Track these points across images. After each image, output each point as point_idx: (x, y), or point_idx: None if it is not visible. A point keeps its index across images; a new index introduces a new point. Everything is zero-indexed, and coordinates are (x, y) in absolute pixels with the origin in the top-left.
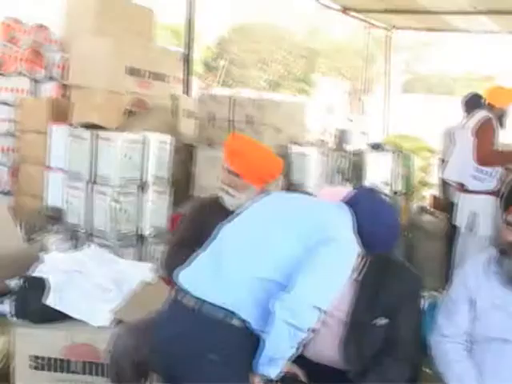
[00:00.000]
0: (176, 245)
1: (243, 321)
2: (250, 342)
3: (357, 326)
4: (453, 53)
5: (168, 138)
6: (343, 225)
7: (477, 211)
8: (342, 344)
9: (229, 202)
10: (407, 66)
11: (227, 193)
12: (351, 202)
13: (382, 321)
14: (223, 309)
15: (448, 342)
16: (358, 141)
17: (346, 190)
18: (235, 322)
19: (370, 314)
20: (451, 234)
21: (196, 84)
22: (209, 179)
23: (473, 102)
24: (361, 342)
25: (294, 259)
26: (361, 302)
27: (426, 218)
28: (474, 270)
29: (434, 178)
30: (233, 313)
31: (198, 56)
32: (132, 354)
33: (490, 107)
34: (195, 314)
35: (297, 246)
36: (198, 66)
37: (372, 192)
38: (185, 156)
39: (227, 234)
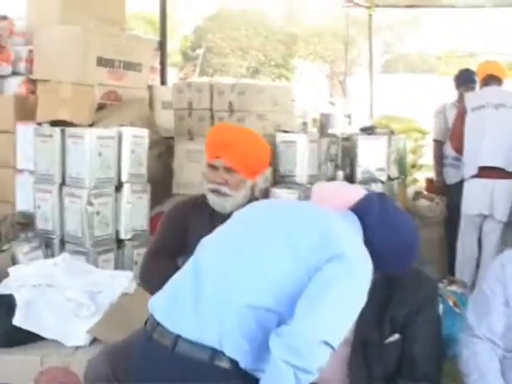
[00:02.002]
0: (151, 253)
1: (232, 361)
2: None
3: (364, 346)
4: (434, 31)
5: (144, 132)
6: (352, 239)
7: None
8: (349, 366)
9: (222, 203)
10: (387, 47)
11: (220, 193)
12: (359, 212)
13: (394, 337)
14: (204, 346)
15: (480, 343)
16: (342, 124)
17: (343, 186)
18: (223, 363)
19: (378, 331)
20: (450, 218)
21: (175, 75)
22: (190, 174)
23: (465, 78)
24: (370, 363)
25: (292, 282)
26: (367, 318)
27: (423, 202)
28: None
29: (427, 159)
30: (218, 351)
31: (175, 46)
32: (107, 382)
33: (499, 82)
34: (171, 354)
35: (295, 266)
36: (175, 57)
37: (384, 200)
38: (163, 150)
39: (208, 251)
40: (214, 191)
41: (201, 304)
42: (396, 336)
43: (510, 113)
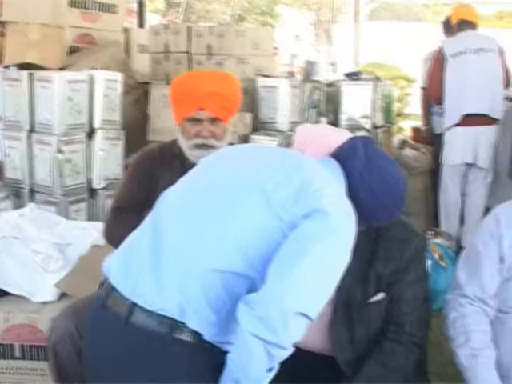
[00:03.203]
0: (116, 208)
1: (195, 333)
2: (208, 359)
3: (347, 305)
4: None
5: (117, 76)
6: (333, 190)
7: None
8: (330, 326)
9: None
10: None
11: (206, 147)
12: (341, 157)
13: (378, 296)
14: (163, 317)
15: (468, 304)
16: (327, 72)
17: (328, 129)
18: (184, 335)
19: (361, 289)
20: (436, 169)
21: (157, 21)
22: (167, 120)
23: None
24: (353, 324)
25: (265, 239)
26: (351, 275)
27: (408, 152)
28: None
29: (413, 108)
30: (178, 323)
31: None
32: (72, 341)
33: (474, 27)
34: (125, 324)
35: (268, 219)
36: (158, 3)
37: (369, 144)
38: (140, 96)
39: (169, 204)
40: (201, 146)
41: (160, 267)
42: (381, 295)
43: (491, 56)
